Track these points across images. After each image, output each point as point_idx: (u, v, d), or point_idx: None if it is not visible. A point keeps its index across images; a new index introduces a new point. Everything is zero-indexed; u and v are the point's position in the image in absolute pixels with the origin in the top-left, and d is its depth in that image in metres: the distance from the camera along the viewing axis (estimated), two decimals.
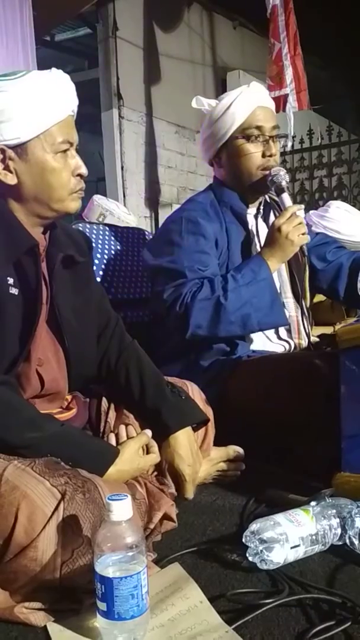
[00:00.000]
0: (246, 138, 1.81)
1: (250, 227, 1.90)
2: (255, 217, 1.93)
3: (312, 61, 5.73)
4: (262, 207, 1.95)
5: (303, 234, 1.74)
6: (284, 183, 1.81)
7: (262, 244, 1.86)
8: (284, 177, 1.81)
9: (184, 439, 1.36)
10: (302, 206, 1.80)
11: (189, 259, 1.74)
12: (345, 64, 6.93)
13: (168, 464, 1.34)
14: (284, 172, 1.83)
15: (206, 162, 1.98)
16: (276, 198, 1.89)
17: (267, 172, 1.82)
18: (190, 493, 1.36)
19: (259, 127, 1.81)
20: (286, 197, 1.80)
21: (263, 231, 1.91)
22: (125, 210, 2.96)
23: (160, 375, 1.44)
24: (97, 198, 2.92)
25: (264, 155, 1.82)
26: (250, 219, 1.91)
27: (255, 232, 1.90)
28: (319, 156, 5.41)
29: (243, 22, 6.31)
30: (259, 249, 1.85)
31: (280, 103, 4.48)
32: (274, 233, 1.74)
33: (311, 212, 2.62)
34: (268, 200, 1.97)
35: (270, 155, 1.83)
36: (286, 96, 4.46)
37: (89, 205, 2.90)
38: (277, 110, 4.48)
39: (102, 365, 1.43)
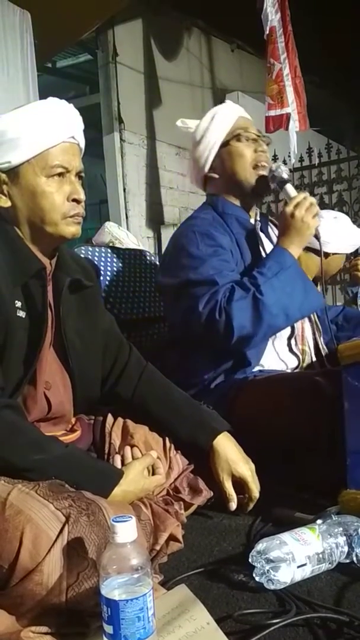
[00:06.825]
0: (236, 138, 1.85)
1: (254, 234, 1.90)
2: (259, 228, 1.94)
3: (311, 80, 5.79)
4: (258, 219, 1.96)
5: (314, 216, 1.74)
6: (285, 175, 1.83)
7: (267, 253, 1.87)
8: (284, 170, 1.83)
9: (229, 441, 1.39)
10: (307, 193, 1.81)
11: (214, 267, 1.71)
12: (343, 82, 7.01)
13: (225, 475, 1.35)
14: (284, 165, 1.87)
15: (199, 181, 1.99)
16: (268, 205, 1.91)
17: (263, 171, 1.85)
18: (256, 492, 1.37)
19: (245, 129, 1.86)
20: (290, 188, 1.81)
21: (265, 242, 1.92)
22: (134, 240, 2.95)
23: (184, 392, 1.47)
24: (109, 225, 2.89)
25: (255, 151, 1.85)
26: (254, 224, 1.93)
27: (260, 239, 1.91)
28: (319, 174, 5.44)
29: (241, 45, 6.41)
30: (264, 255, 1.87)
31: (283, 121, 4.48)
32: (287, 220, 1.75)
33: None
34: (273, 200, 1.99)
35: (262, 151, 1.87)
36: (288, 115, 4.45)
37: (100, 230, 2.89)
38: (279, 128, 4.51)
39: (121, 392, 1.43)
